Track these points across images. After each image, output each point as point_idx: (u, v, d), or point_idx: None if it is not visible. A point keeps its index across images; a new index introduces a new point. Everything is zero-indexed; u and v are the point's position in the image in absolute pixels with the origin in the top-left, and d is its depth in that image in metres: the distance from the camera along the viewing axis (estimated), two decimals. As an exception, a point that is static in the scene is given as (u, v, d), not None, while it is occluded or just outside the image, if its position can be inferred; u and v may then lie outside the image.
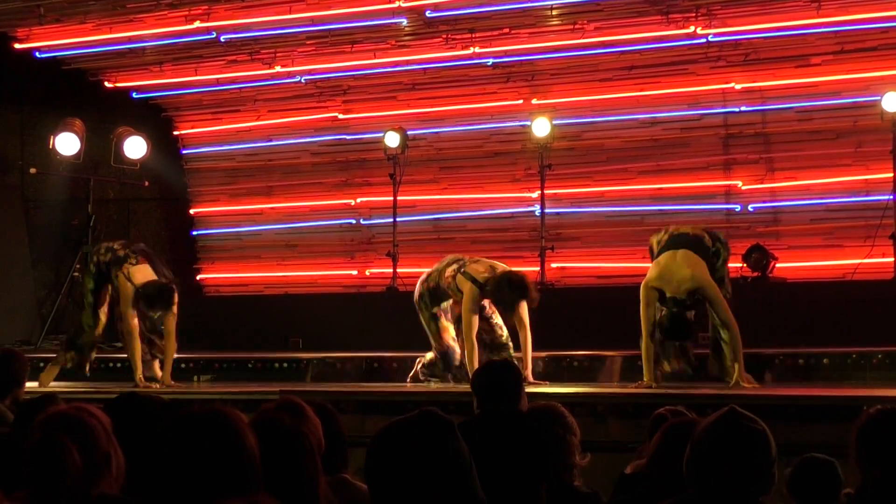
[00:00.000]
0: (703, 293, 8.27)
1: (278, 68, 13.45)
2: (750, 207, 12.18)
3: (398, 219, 12.70)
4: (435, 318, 9.17)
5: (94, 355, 9.83)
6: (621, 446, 6.39)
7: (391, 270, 12.45)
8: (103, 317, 9.73)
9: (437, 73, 13.25)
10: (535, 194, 12.56)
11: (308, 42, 13.10)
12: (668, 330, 8.29)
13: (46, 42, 13.39)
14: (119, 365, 10.22)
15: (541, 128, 12.10)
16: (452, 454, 2.70)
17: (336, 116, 13.83)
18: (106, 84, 14.04)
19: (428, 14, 12.39)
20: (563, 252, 12.59)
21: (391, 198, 12.73)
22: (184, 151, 14.57)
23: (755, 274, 11.16)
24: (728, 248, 8.83)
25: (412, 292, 9.46)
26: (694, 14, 11.90)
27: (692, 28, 11.96)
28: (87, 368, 9.76)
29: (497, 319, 9.07)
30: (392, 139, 12.55)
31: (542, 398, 6.48)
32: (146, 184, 13.63)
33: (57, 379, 9.78)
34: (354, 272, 13.69)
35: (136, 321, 9.37)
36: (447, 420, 2.76)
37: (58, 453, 3.28)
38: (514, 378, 5.04)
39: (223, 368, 10.63)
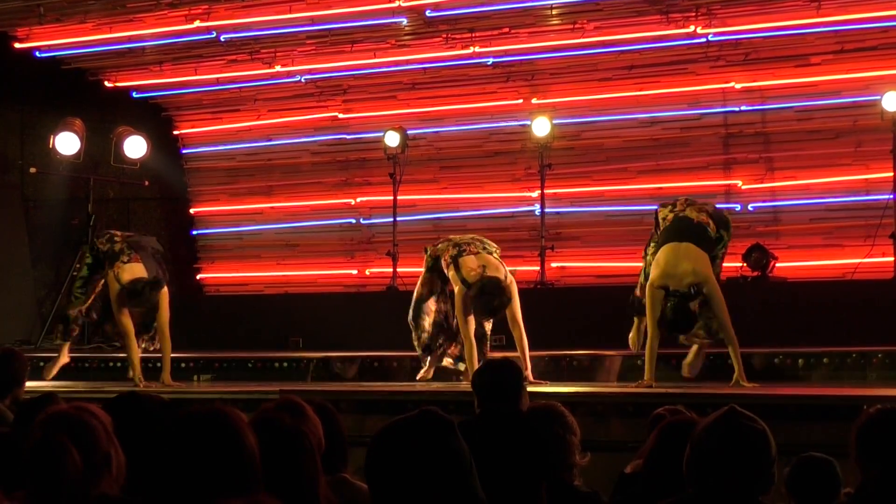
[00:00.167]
0: (704, 288, 8.26)
1: (278, 68, 13.45)
2: (750, 207, 12.18)
3: (398, 218, 12.70)
4: (423, 298, 9.22)
5: (76, 328, 9.85)
6: (621, 446, 6.39)
7: (391, 270, 12.45)
8: (91, 296, 9.76)
9: (437, 73, 13.25)
10: (535, 194, 12.57)
11: (308, 42, 13.11)
12: (672, 322, 8.30)
13: (46, 42, 13.39)
14: (119, 364, 10.23)
15: (541, 127, 12.10)
16: (452, 454, 2.70)
17: (336, 116, 13.84)
18: (106, 84, 14.04)
19: (428, 14, 12.39)
20: (563, 251, 12.60)
21: (391, 197, 12.74)
22: (184, 151, 14.58)
23: (755, 273, 11.16)
24: (730, 230, 8.82)
25: (412, 292, 9.46)
26: (694, 14, 11.90)
27: (692, 28, 11.96)
28: (72, 336, 9.79)
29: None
30: (392, 139, 12.55)
31: (542, 398, 6.48)
32: (146, 183, 13.62)
33: (57, 379, 9.79)
34: (354, 272, 13.70)
35: (127, 321, 9.36)
36: (447, 419, 2.76)
37: (58, 453, 3.28)
38: (515, 378, 5.04)
39: (223, 368, 10.63)
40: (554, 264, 12.50)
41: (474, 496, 2.73)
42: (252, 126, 14.21)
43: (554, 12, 12.30)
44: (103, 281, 9.61)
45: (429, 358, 9.25)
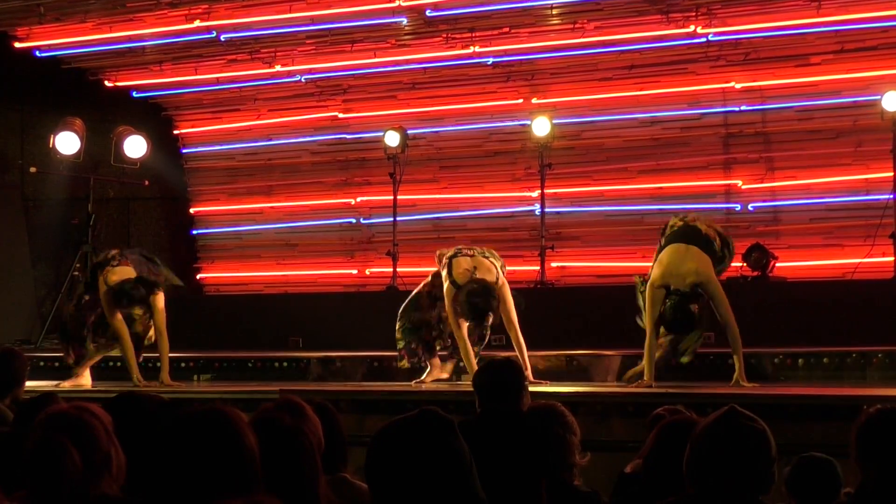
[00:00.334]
0: (706, 288, 8.26)
1: (278, 67, 13.45)
2: (750, 207, 12.18)
3: (398, 218, 12.70)
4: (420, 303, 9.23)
5: (73, 348, 9.78)
6: (622, 445, 6.39)
7: (391, 270, 12.45)
8: (91, 317, 9.71)
9: (437, 73, 13.25)
10: (535, 193, 12.56)
11: (308, 41, 13.10)
12: (671, 322, 8.29)
13: (46, 41, 13.39)
14: (119, 364, 10.21)
15: (541, 127, 12.09)
16: (452, 453, 2.70)
17: (336, 116, 13.84)
18: (106, 83, 14.04)
19: (428, 13, 12.39)
20: (563, 251, 12.60)
21: (391, 197, 12.73)
22: (184, 150, 14.58)
23: (755, 273, 11.16)
24: (732, 253, 8.82)
25: (412, 292, 9.46)
26: (694, 13, 11.90)
27: (692, 27, 11.96)
28: (71, 359, 9.73)
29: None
30: (392, 138, 12.55)
31: (543, 398, 6.48)
32: (146, 183, 13.62)
33: (57, 378, 9.78)
34: (354, 271, 13.70)
35: (121, 324, 9.35)
36: (447, 419, 2.76)
37: (58, 453, 3.28)
38: (516, 377, 5.04)
39: (223, 368, 10.62)
40: (554, 264, 12.50)
41: (474, 496, 2.73)
42: (252, 126, 14.21)
43: (554, 12, 12.30)
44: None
45: (424, 359, 9.22)
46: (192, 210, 14.55)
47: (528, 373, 8.63)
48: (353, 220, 13.80)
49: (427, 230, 13.28)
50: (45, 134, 13.03)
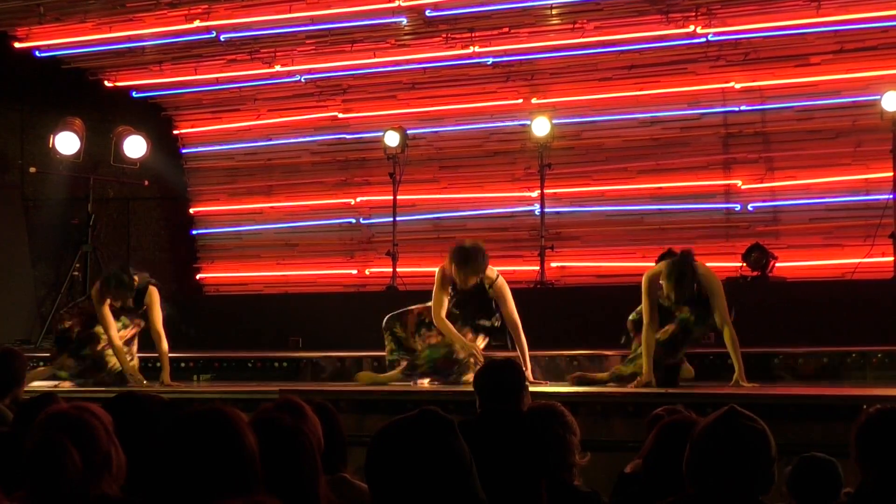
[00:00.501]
0: (707, 287, 8.24)
1: (278, 67, 13.45)
2: (749, 207, 12.18)
3: (398, 218, 12.70)
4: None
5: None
6: (622, 445, 6.39)
7: (391, 270, 12.44)
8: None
9: (437, 73, 13.25)
10: (535, 194, 12.56)
11: (308, 41, 13.10)
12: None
13: (46, 41, 13.38)
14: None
15: (540, 127, 12.10)
16: (452, 453, 2.71)
17: (336, 116, 13.83)
18: (106, 83, 14.03)
19: (427, 13, 12.39)
20: (563, 251, 12.60)
21: (391, 197, 12.73)
22: (183, 151, 14.58)
23: (755, 273, 11.16)
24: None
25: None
26: (694, 13, 11.90)
27: (692, 27, 11.96)
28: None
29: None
30: (392, 138, 12.55)
31: (543, 398, 6.48)
32: (146, 183, 13.62)
33: (57, 378, 9.78)
34: (354, 272, 13.70)
35: (107, 312, 9.39)
36: (447, 419, 2.76)
37: (58, 453, 3.28)
38: (516, 377, 5.04)
39: (223, 368, 10.62)
40: (554, 264, 12.50)
41: (474, 496, 2.73)
42: (252, 126, 14.21)
43: (554, 12, 12.29)
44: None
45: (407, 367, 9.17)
46: (191, 210, 14.55)
47: (529, 373, 8.63)
48: (353, 220, 13.80)
49: (427, 230, 13.28)
50: (45, 134, 13.03)
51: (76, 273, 12.42)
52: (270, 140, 14.16)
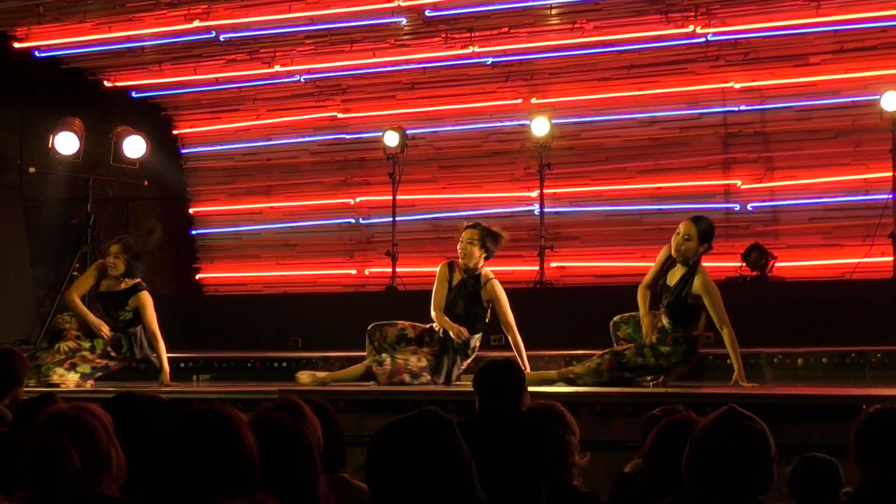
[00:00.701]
0: (706, 287, 8.25)
1: (277, 67, 13.45)
2: (749, 207, 12.18)
3: (397, 218, 12.69)
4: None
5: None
6: (621, 445, 6.39)
7: (390, 270, 12.44)
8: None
9: (436, 73, 13.25)
10: (535, 194, 12.56)
11: (307, 41, 13.10)
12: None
13: (45, 41, 13.38)
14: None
15: (540, 127, 12.09)
16: (452, 453, 2.71)
17: (335, 116, 13.83)
18: (105, 83, 14.03)
19: (427, 13, 12.38)
20: (563, 251, 12.59)
21: (390, 197, 12.73)
22: (183, 151, 14.58)
23: (754, 273, 11.16)
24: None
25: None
26: (693, 13, 11.90)
27: (691, 27, 11.96)
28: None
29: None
30: (391, 138, 12.55)
31: (543, 398, 6.48)
32: (145, 183, 13.60)
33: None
34: (354, 272, 13.70)
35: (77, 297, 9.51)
36: (447, 419, 2.76)
37: (58, 453, 3.28)
38: (516, 378, 5.04)
39: (222, 368, 10.62)
40: (553, 264, 12.49)
41: (474, 496, 2.73)
42: (251, 126, 14.20)
43: (553, 12, 12.29)
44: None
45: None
46: (191, 210, 14.54)
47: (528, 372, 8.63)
48: (353, 221, 13.80)
49: (426, 230, 13.28)
50: (45, 134, 13.01)
51: (75, 273, 12.38)
52: (270, 140, 14.16)
